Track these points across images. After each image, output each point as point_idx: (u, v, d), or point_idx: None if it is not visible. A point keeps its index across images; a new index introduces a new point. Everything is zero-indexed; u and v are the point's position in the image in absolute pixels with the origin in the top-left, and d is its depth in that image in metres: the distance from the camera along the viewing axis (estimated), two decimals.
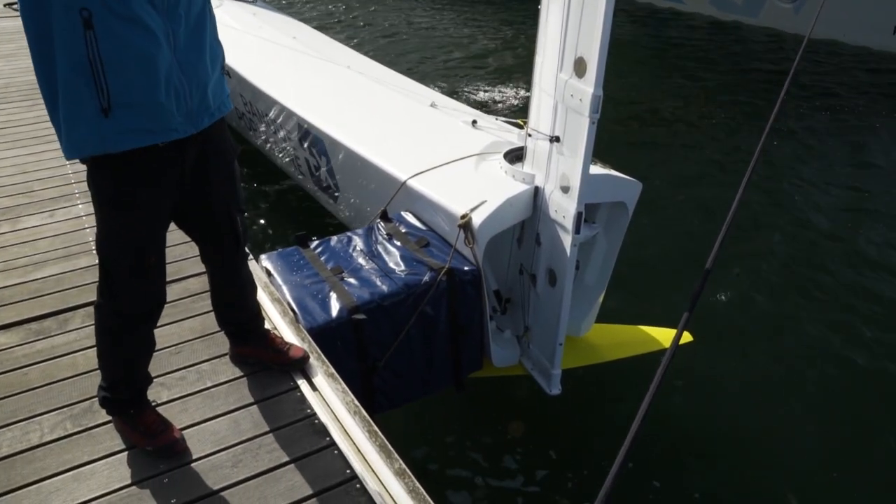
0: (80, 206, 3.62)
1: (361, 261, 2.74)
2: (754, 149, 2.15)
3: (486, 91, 7.49)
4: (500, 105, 7.04)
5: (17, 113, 4.93)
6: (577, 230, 2.61)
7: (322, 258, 2.73)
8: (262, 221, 4.85)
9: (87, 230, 3.39)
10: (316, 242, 2.89)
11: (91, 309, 2.74)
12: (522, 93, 7.37)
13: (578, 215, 2.58)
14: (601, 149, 2.52)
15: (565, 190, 2.62)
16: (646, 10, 11.57)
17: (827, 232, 4.89)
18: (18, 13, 7.56)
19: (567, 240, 2.65)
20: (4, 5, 8.23)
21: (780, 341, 3.81)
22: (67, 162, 4.06)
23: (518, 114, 3.47)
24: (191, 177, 1.89)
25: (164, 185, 1.83)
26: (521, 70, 8.08)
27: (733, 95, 7.73)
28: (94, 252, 3.14)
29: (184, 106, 1.77)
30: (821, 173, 5.78)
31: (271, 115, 4.23)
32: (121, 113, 1.66)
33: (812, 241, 4.78)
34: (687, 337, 3.11)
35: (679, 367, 3.05)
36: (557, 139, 2.63)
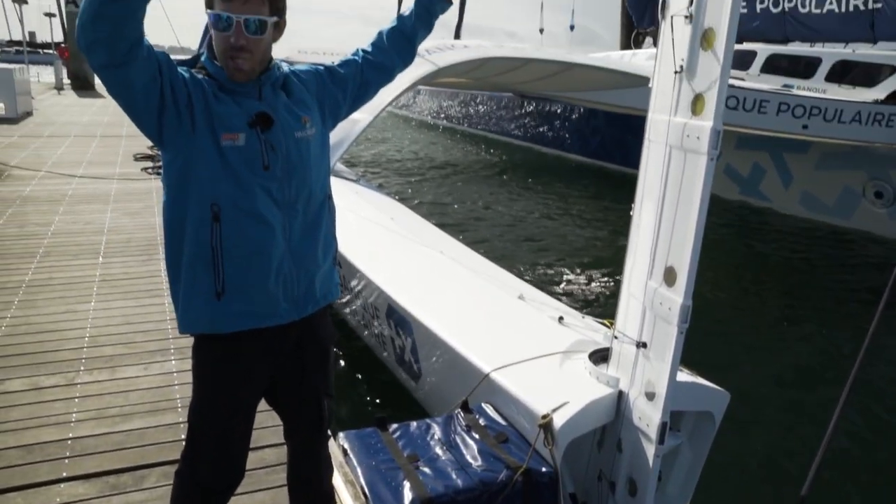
0: (173, 361, 3.78)
1: (438, 450, 2.70)
2: (850, 357, 2.07)
3: (575, 285, 7.55)
4: (588, 301, 7.06)
5: (133, 266, 5.32)
6: (661, 440, 2.51)
7: (399, 443, 2.72)
8: (343, 395, 4.83)
9: (177, 387, 3.51)
10: (395, 426, 2.89)
11: (167, 468, 2.80)
12: (612, 291, 7.38)
13: (663, 425, 2.50)
14: (688, 350, 2.49)
15: (650, 397, 2.56)
16: (736, 209, 11.73)
17: None
18: (151, 176, 8.44)
19: (650, 449, 2.55)
20: (142, 169, 9.15)
21: None
22: (168, 317, 4.33)
23: (606, 312, 3.49)
24: (288, 359, 1.97)
25: (262, 366, 1.92)
26: (613, 267, 8.15)
27: (827, 299, 7.54)
28: (179, 409, 3.26)
29: (291, 293, 1.89)
30: None
31: (362, 290, 4.41)
32: (232, 297, 1.80)
33: None
34: None
35: None
36: (644, 345, 2.61)
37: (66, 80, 24.73)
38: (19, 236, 5.95)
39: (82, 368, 3.68)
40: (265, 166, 1.79)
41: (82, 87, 23.76)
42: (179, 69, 1.75)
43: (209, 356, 1.89)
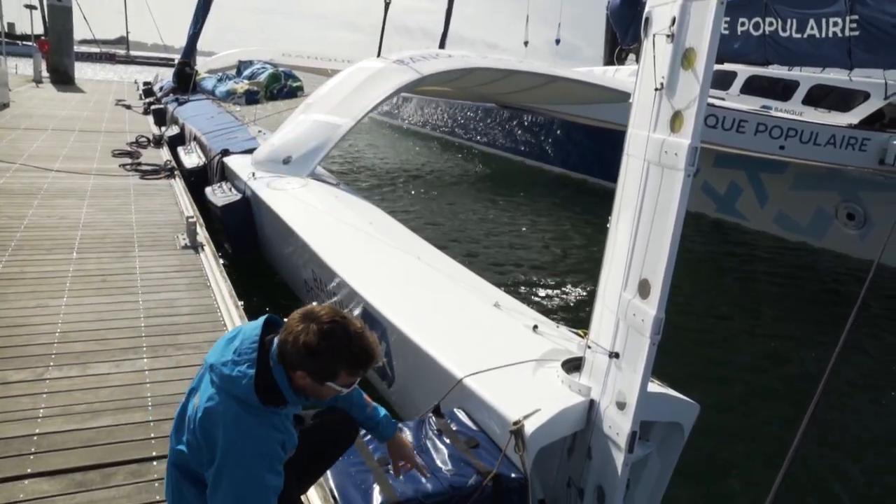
0: (145, 359, 3.74)
1: None
2: (819, 373, 2.11)
3: (551, 294, 7.57)
4: (563, 310, 7.09)
5: (108, 263, 5.25)
6: (630, 449, 2.55)
7: (370, 447, 2.72)
8: None
9: (148, 385, 3.48)
10: None
11: (135, 467, 2.79)
12: (587, 300, 7.40)
13: (633, 434, 2.54)
14: (659, 362, 2.53)
15: (621, 406, 2.59)
16: (710, 225, 11.89)
17: None
18: (129, 173, 8.29)
19: (619, 457, 2.59)
20: (120, 166, 9.01)
21: None
22: (142, 315, 4.29)
23: (580, 321, 3.52)
24: None
25: None
26: (588, 277, 8.20)
27: (797, 315, 7.67)
28: (150, 408, 3.23)
29: None
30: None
31: (337, 293, 4.40)
32: None
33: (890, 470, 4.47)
34: None
35: None
36: (616, 355, 2.65)
37: (45, 74, 24.40)
38: None
39: (52, 364, 3.63)
40: None
41: (61, 80, 23.43)
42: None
43: None
